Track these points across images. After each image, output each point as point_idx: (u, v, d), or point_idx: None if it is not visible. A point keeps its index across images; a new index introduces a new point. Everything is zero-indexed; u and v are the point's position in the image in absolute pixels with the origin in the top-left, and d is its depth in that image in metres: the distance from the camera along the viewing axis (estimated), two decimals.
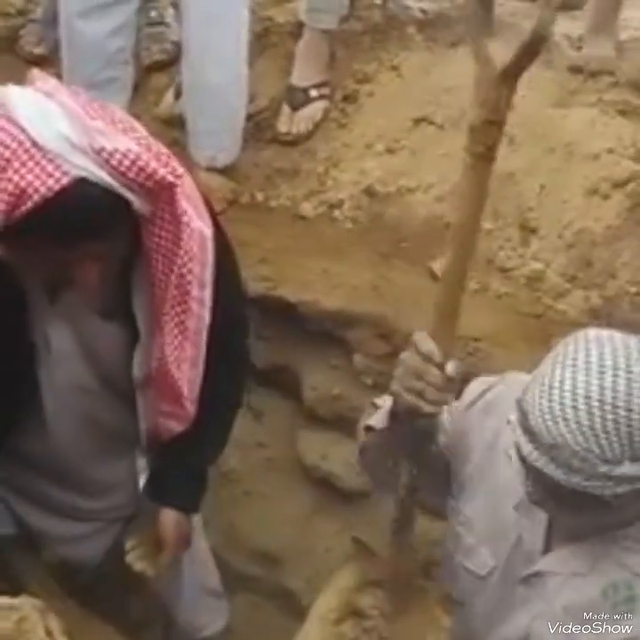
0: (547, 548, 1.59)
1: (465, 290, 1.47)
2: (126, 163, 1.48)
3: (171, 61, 3.14)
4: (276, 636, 2.74)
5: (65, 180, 1.46)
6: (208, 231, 1.72)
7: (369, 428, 1.71)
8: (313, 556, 2.74)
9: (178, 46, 3.06)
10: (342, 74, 3.03)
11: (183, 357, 1.78)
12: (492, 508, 1.64)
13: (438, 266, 2.56)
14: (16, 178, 1.45)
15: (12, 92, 1.52)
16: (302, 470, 2.72)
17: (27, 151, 1.45)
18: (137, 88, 3.01)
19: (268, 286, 2.57)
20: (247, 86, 2.86)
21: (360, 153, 2.87)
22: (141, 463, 1.98)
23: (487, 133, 1.39)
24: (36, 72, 1.59)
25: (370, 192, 2.78)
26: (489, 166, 1.42)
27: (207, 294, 1.75)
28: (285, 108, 2.99)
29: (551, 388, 1.39)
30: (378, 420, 1.67)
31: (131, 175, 1.49)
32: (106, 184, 1.49)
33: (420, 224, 2.70)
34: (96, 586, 2.25)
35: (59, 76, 2.94)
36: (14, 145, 1.46)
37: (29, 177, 1.45)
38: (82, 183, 1.47)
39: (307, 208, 2.82)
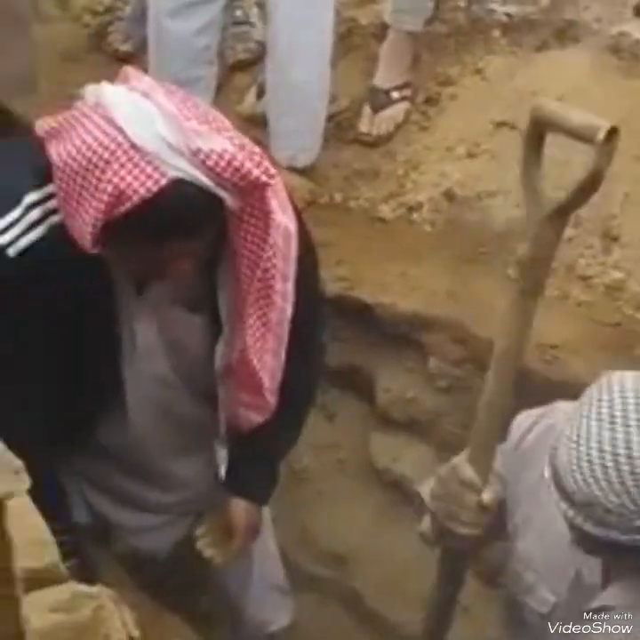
0: (606, 581, 1.56)
1: (503, 416, 1.51)
2: (222, 163, 1.50)
3: (254, 60, 3.17)
4: (341, 636, 2.74)
5: (163, 182, 1.48)
6: (292, 226, 1.74)
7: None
8: (381, 558, 2.73)
9: (261, 46, 3.08)
10: (425, 76, 3.02)
11: (265, 349, 1.81)
12: (548, 544, 1.62)
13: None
14: (115, 179, 1.47)
15: (108, 91, 1.54)
16: (373, 472, 2.72)
17: (125, 153, 1.47)
18: (220, 87, 3.03)
19: (344, 287, 2.57)
20: (330, 87, 2.86)
21: (440, 156, 2.86)
22: (221, 454, 2.01)
23: (536, 269, 1.40)
24: (129, 70, 1.61)
25: (449, 195, 2.77)
26: (535, 301, 1.43)
27: (289, 287, 1.77)
28: (367, 110, 2.98)
29: (579, 444, 1.38)
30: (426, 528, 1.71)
31: (226, 175, 1.51)
32: (201, 184, 1.51)
33: (498, 229, 2.67)
34: (165, 579, 2.27)
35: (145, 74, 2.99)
36: (113, 146, 1.48)
37: (128, 179, 1.47)
38: (178, 184, 1.49)
39: (385, 210, 2.82)
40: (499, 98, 2.88)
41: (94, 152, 1.48)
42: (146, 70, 2.92)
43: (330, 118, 2.93)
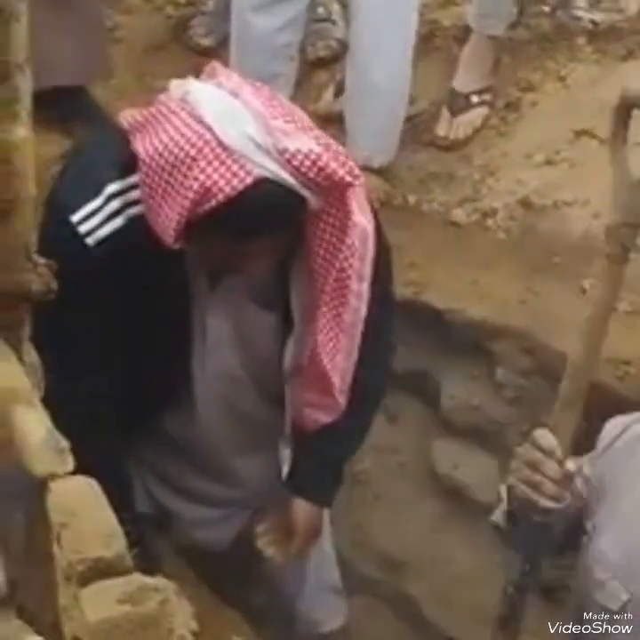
0: None
1: (589, 383, 1.51)
2: (307, 163, 1.50)
3: (334, 58, 3.16)
4: None
5: (249, 180, 1.48)
6: (370, 227, 1.73)
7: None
8: (436, 565, 2.71)
9: (341, 44, 3.08)
10: (506, 81, 2.99)
11: (337, 349, 1.80)
12: (630, 543, 1.59)
13: (590, 284, 2.50)
14: (202, 177, 1.47)
15: (196, 88, 1.54)
16: (433, 478, 2.70)
17: (213, 150, 1.47)
18: (298, 83, 3.03)
19: (414, 291, 2.55)
20: (409, 88, 2.85)
21: (518, 162, 2.83)
22: (285, 453, 2.00)
23: (624, 236, 1.48)
24: (217, 66, 1.61)
25: (525, 203, 2.73)
26: (623, 268, 1.51)
27: (365, 288, 1.76)
28: (445, 113, 2.96)
29: None
30: (499, 516, 1.66)
31: (311, 175, 1.51)
32: (285, 183, 1.51)
33: (574, 240, 2.63)
34: (221, 573, 2.28)
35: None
36: (200, 143, 1.48)
37: (215, 176, 1.47)
38: (263, 182, 1.49)
39: (459, 215, 2.79)
40: (580, 106, 2.83)
41: (181, 148, 1.49)
42: (226, 64, 2.94)
43: (407, 120, 2.91)
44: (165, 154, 1.50)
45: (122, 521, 1.31)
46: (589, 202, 2.67)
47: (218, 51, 3.21)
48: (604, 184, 2.65)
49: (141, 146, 1.54)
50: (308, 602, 2.32)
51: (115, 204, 1.62)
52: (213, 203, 1.48)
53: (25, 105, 0.59)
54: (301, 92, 3.09)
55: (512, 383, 2.49)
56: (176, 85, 1.59)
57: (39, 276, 0.70)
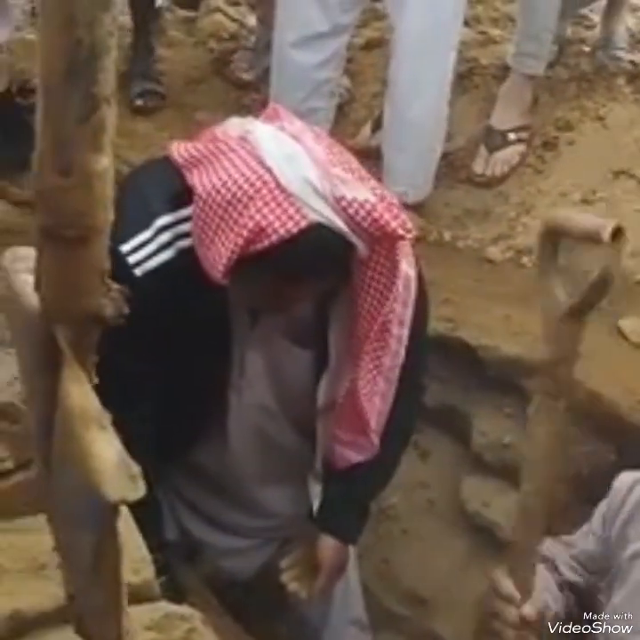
0: None
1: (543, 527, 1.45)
2: (362, 213, 1.51)
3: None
4: None
5: (303, 224, 1.49)
6: (413, 272, 1.74)
7: None
8: (464, 603, 2.68)
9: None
10: (544, 120, 3.00)
11: (375, 391, 1.80)
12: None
13: (628, 324, 2.49)
14: (258, 217, 1.48)
15: (258, 129, 1.56)
16: (463, 515, 2.68)
17: (271, 191, 1.48)
18: (337, 119, 3.06)
19: (448, 327, 2.55)
20: (446, 125, 2.86)
21: (554, 200, 2.83)
22: (316, 489, 2.00)
23: (557, 371, 1.38)
24: (280, 109, 1.62)
25: None
26: (559, 405, 1.39)
27: (405, 332, 1.77)
28: (482, 150, 2.97)
29: None
30: None
31: (364, 225, 1.52)
32: (339, 230, 1.52)
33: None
34: (246, 604, 2.27)
35: (264, 103, 3.03)
36: (259, 183, 1.49)
37: (271, 217, 1.48)
38: (317, 227, 1.50)
39: (494, 252, 2.79)
40: (618, 146, 2.83)
41: (239, 187, 1.49)
42: (266, 99, 2.97)
43: (443, 156, 2.93)
44: (223, 190, 1.51)
45: (150, 548, 1.31)
46: (628, 241, 2.66)
47: (257, 85, 3.25)
48: None
49: (198, 180, 1.55)
50: (332, 635, 2.31)
51: (165, 237, 1.63)
52: (266, 243, 1.48)
53: (109, 136, 0.61)
54: (339, 127, 3.12)
55: None
56: (235, 123, 1.61)
57: (112, 300, 0.72)
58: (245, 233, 1.48)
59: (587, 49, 3.29)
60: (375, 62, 3.32)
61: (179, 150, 1.62)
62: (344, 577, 2.17)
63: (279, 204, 1.48)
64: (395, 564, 2.75)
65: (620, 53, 3.21)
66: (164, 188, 1.65)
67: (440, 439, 2.70)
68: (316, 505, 2.00)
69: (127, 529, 1.14)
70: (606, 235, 1.31)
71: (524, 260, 2.74)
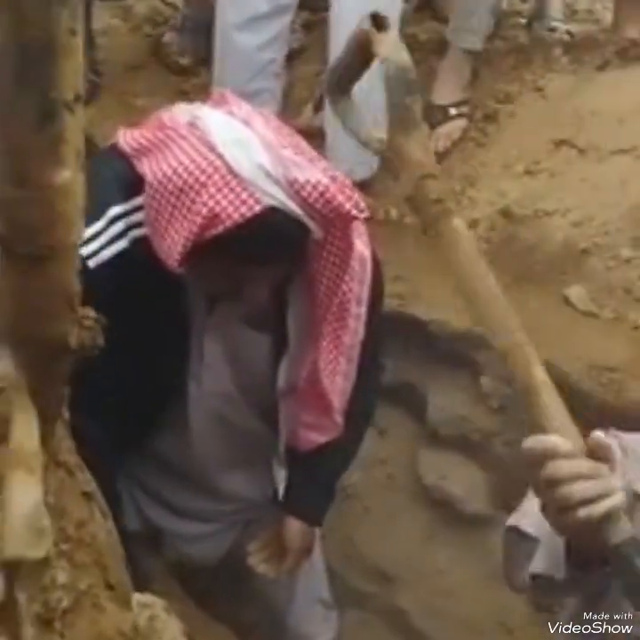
0: None
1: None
2: (315, 194, 1.51)
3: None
4: None
5: (257, 208, 1.49)
6: (367, 252, 1.76)
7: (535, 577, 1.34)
8: (427, 576, 2.71)
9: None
10: (483, 93, 3.01)
11: (336, 371, 1.82)
12: None
13: (574, 293, 2.51)
14: (211, 203, 1.48)
15: (206, 114, 1.55)
16: (422, 490, 2.70)
17: (223, 177, 1.48)
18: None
19: (399, 304, 2.56)
20: None
21: (498, 173, 2.84)
22: (280, 473, 2.01)
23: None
24: (228, 95, 1.62)
25: (506, 213, 2.75)
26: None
27: (363, 310, 1.79)
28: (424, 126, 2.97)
29: None
30: (547, 565, 1.30)
31: (317, 206, 1.52)
32: (292, 213, 1.53)
33: (555, 249, 2.65)
34: (211, 589, 2.27)
35: (204, 88, 3.01)
36: (210, 170, 1.49)
37: (224, 203, 1.48)
38: (271, 211, 1.51)
39: None
40: (558, 116, 2.86)
41: (190, 174, 1.49)
42: (206, 82, 2.95)
43: None
44: (174, 178, 1.50)
45: None
46: (569, 210, 2.69)
47: (196, 69, 3.23)
48: (584, 193, 2.71)
49: (148, 168, 1.55)
50: (298, 616, 2.32)
51: (118, 227, 1.62)
52: (221, 229, 1.49)
53: (73, 146, 0.55)
54: (281, 107, 3.10)
55: (497, 392, 2.49)
56: (183, 109, 1.60)
57: (85, 329, 0.68)
58: (199, 220, 1.48)
59: (523, 21, 3.31)
60: (315, 41, 3.31)
61: (126, 138, 1.61)
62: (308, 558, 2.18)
63: (232, 190, 1.48)
64: (357, 541, 2.77)
65: (556, 24, 3.23)
66: (114, 177, 1.63)
67: (396, 415, 2.72)
68: (281, 489, 2.01)
69: None
70: (370, 28, 1.24)
71: (471, 233, 2.75)
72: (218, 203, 1.48)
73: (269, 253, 1.57)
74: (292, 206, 1.52)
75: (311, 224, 1.56)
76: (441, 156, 2.95)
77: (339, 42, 2.72)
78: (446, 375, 2.60)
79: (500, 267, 2.67)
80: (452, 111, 2.97)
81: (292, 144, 1.55)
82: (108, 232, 1.62)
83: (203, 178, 1.48)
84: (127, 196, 1.62)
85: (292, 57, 3.24)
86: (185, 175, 1.50)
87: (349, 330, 1.78)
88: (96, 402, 1.71)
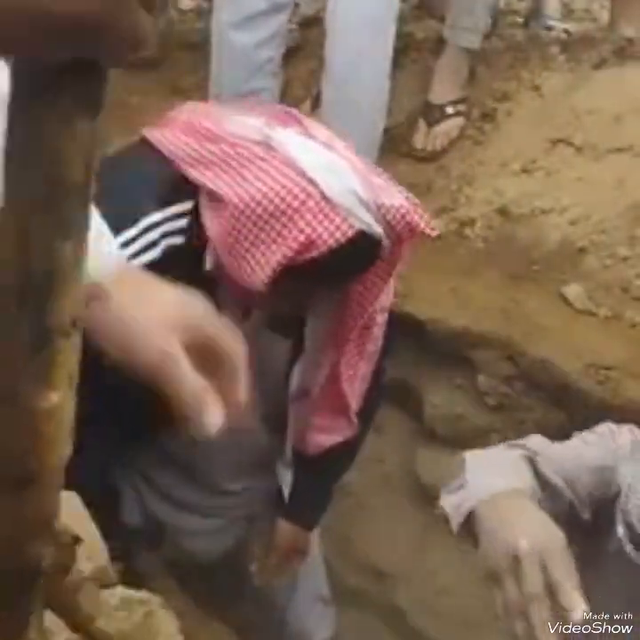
0: None
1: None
2: (398, 217, 1.56)
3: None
4: None
5: (350, 233, 1.52)
6: None
7: None
8: (423, 574, 2.71)
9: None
10: (481, 91, 3.01)
11: (357, 375, 1.85)
12: None
13: (571, 291, 2.52)
14: (308, 230, 1.51)
15: (284, 137, 1.56)
16: (418, 488, 2.70)
17: (317, 203, 1.51)
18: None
19: (396, 302, 2.55)
20: (387, 101, 2.86)
21: (495, 172, 2.84)
22: (286, 476, 2.01)
23: None
24: (296, 113, 1.64)
25: (503, 212, 2.75)
26: None
27: (385, 318, 1.84)
28: (421, 124, 2.98)
29: None
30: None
31: (398, 228, 1.57)
32: (378, 236, 1.56)
33: (552, 247, 2.65)
34: (211, 586, 2.27)
35: (201, 84, 3.01)
36: (303, 196, 1.51)
37: (319, 229, 1.51)
38: (360, 235, 1.54)
39: (438, 225, 2.80)
40: (555, 115, 2.86)
41: (283, 199, 1.51)
42: (203, 81, 2.95)
43: (384, 132, 2.92)
44: (264, 202, 1.51)
45: (107, 535, 1.30)
46: (566, 209, 2.69)
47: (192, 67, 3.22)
48: (581, 191, 2.71)
49: (226, 188, 1.54)
50: (298, 612, 2.33)
51: (152, 236, 1.60)
52: (314, 254, 1.52)
53: (65, 370, 0.53)
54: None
55: (494, 390, 2.49)
56: (244, 124, 1.59)
57: (61, 548, 0.62)
58: (296, 245, 1.50)
59: (520, 19, 3.31)
60: (312, 39, 3.31)
61: (166, 140, 1.60)
62: (310, 553, 2.19)
63: (326, 216, 1.51)
64: (354, 539, 2.77)
65: (553, 22, 3.23)
66: (150, 180, 1.61)
67: (392, 413, 2.72)
68: (286, 492, 2.01)
69: (78, 515, 1.13)
70: None
71: (468, 231, 2.76)
72: (314, 230, 1.51)
73: (349, 275, 1.63)
74: (379, 229, 1.55)
75: (386, 243, 1.60)
76: (439, 155, 2.95)
77: (335, 40, 2.73)
78: (443, 373, 2.60)
79: (497, 265, 2.68)
80: (450, 110, 2.97)
81: (370, 168, 1.60)
82: (140, 240, 1.59)
83: (296, 204, 1.50)
84: (165, 203, 1.60)
85: (288, 55, 3.25)
86: (277, 200, 1.51)
87: (373, 337, 1.82)
88: (111, 395, 1.70)
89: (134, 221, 1.59)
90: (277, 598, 2.29)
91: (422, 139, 2.96)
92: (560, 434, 1.65)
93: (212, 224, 1.57)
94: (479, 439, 2.58)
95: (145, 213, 1.59)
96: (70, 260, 0.47)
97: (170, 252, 1.60)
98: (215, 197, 1.55)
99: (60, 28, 0.41)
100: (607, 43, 3.02)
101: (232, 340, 0.95)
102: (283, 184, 1.51)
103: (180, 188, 1.58)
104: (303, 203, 1.50)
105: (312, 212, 1.50)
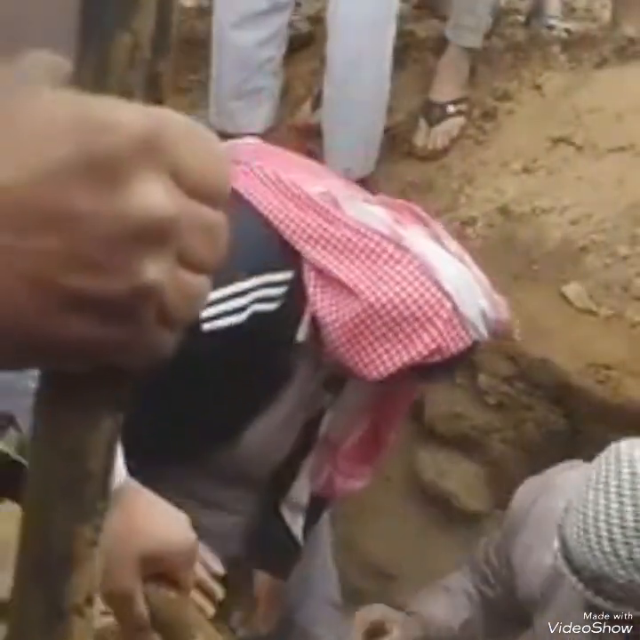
0: None
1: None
2: (500, 328, 1.75)
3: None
4: None
5: (469, 343, 1.64)
6: None
7: None
8: (426, 573, 2.71)
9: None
10: (482, 91, 3.01)
11: (394, 429, 2.00)
12: (562, 623, 1.58)
13: (572, 290, 2.52)
14: (439, 339, 1.61)
15: (417, 241, 1.63)
16: (419, 487, 2.71)
17: (449, 315, 1.61)
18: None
19: None
20: (387, 101, 2.86)
21: (496, 171, 2.85)
22: (299, 521, 1.99)
23: None
24: (421, 213, 1.72)
25: (504, 211, 2.75)
26: None
27: None
28: (422, 123, 2.98)
29: (585, 515, 1.36)
30: None
31: (492, 333, 1.71)
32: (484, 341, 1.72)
33: (553, 246, 2.65)
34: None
35: (202, 84, 3.01)
36: (437, 306, 1.61)
37: (448, 338, 1.61)
38: (474, 344, 1.67)
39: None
40: (556, 114, 2.86)
41: (420, 307, 1.60)
42: (204, 80, 2.95)
43: (385, 131, 2.93)
44: (400, 307, 1.60)
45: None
46: (567, 208, 2.69)
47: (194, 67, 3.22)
48: (581, 190, 2.71)
49: (359, 283, 1.60)
50: (309, 616, 2.30)
51: (242, 300, 1.59)
52: (437, 359, 1.62)
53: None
54: (278, 105, 3.10)
55: (494, 389, 2.50)
56: (367, 212, 1.66)
57: None
58: (425, 351, 1.60)
59: (521, 19, 3.31)
60: (313, 39, 3.31)
61: (263, 198, 1.62)
62: (321, 561, 2.19)
63: (454, 327, 1.61)
64: (355, 538, 2.77)
65: (554, 22, 3.23)
66: (250, 243, 1.59)
67: None
68: (300, 535, 2.00)
69: None
70: None
71: (468, 231, 2.76)
72: (444, 339, 1.61)
73: (451, 373, 1.83)
74: (486, 338, 1.69)
75: None
76: (440, 154, 2.96)
77: (336, 39, 2.73)
78: None
79: (497, 265, 2.67)
80: (451, 109, 2.97)
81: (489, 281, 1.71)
82: (230, 302, 1.57)
83: (430, 313, 1.60)
84: (262, 269, 1.61)
85: (289, 54, 3.25)
86: (413, 308, 1.59)
87: (411, 396, 1.97)
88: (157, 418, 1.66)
89: (229, 281, 1.57)
90: (289, 599, 2.28)
91: (423, 138, 2.96)
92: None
93: (330, 307, 1.63)
94: (479, 438, 2.59)
95: (241, 277, 1.58)
96: (88, 542, 0.48)
97: (257, 319, 1.60)
98: (333, 280, 1.61)
99: (84, 355, 0.42)
100: (608, 42, 3.02)
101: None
102: (421, 292, 1.60)
103: (281, 254, 1.60)
104: (437, 313, 1.60)
105: (443, 320, 1.60)
